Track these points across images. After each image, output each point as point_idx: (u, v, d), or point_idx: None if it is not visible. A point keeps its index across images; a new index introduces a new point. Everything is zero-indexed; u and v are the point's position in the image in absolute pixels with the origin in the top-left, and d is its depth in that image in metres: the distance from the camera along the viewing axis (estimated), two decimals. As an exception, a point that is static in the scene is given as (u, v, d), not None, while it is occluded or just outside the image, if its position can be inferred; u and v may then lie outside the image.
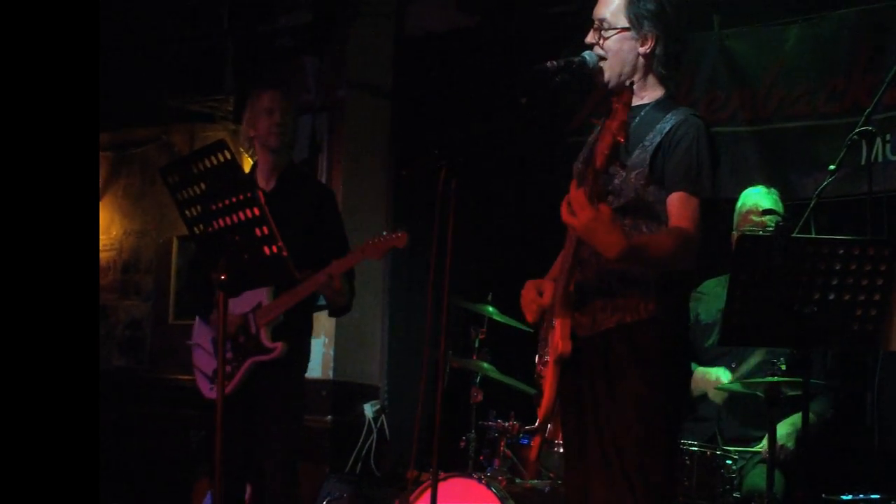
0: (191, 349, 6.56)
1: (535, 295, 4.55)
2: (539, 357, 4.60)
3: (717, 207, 4.52)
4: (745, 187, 6.80)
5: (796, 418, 6.24)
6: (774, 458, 5.84)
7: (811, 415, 6.25)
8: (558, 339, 4.32)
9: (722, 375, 6.49)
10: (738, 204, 6.68)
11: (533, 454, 6.20)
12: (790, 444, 6.31)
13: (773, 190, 6.71)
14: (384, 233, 6.29)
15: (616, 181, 4.36)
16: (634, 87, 4.50)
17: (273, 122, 6.42)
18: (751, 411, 6.44)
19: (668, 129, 4.36)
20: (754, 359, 6.50)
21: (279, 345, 6.21)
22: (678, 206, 4.28)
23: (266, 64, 9.57)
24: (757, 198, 6.63)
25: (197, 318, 6.57)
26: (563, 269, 4.42)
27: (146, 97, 10.04)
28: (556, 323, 4.37)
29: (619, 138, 3.95)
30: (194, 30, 9.57)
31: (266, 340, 6.22)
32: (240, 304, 6.22)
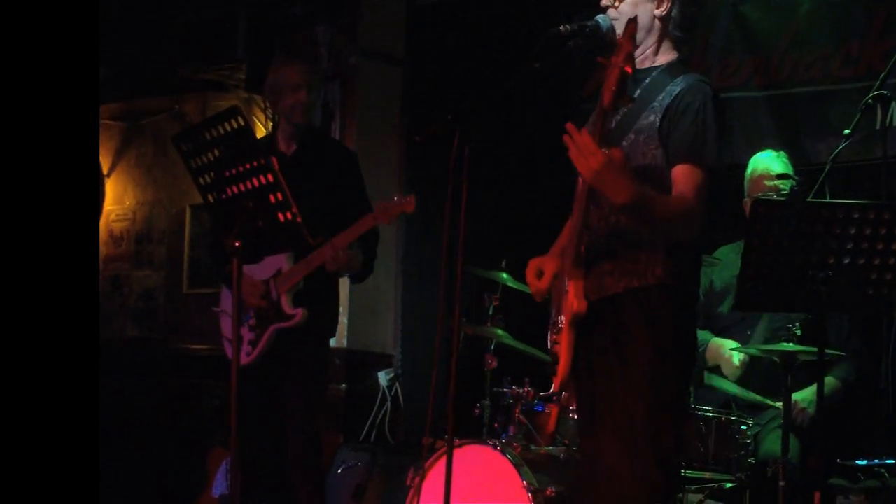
0: (218, 316, 6.56)
1: (535, 278, 4.56)
2: (551, 326, 4.60)
3: (732, 173, 4.50)
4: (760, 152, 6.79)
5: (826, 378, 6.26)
6: (791, 422, 5.84)
7: (835, 380, 6.29)
8: (573, 299, 4.32)
9: (734, 357, 6.48)
10: (749, 170, 6.66)
11: (551, 425, 6.22)
12: (811, 410, 6.30)
13: (781, 153, 6.70)
14: (394, 198, 6.27)
15: (624, 144, 4.35)
16: (648, 51, 4.50)
17: (297, 99, 6.39)
18: (766, 377, 6.43)
19: (676, 92, 4.36)
20: (770, 325, 6.48)
21: (300, 311, 6.22)
22: (683, 178, 4.27)
23: (278, 32, 9.54)
24: (768, 162, 6.62)
25: (223, 285, 6.56)
26: (573, 231, 4.41)
27: (157, 66, 10.02)
28: (569, 284, 4.37)
29: (626, 68, 3.97)
30: (205, -2, 9.56)
31: (287, 307, 6.23)
32: (260, 270, 6.23)
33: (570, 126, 4.12)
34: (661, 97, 4.37)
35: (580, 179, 4.39)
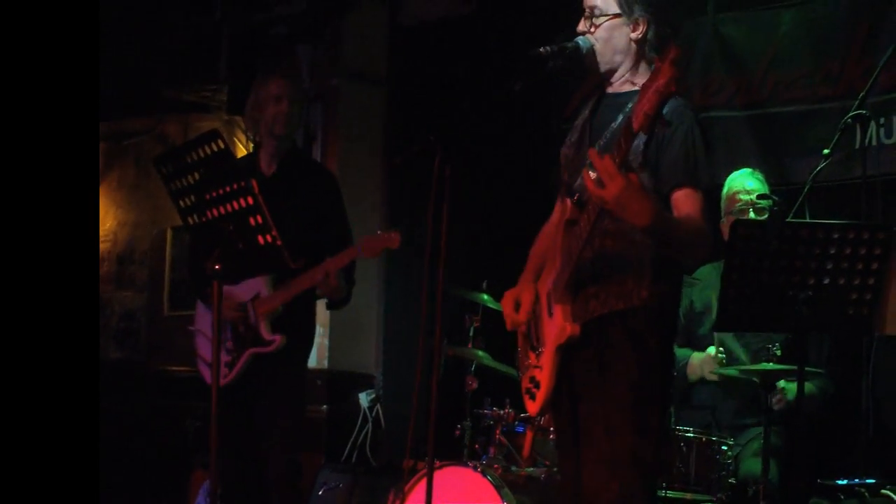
0: (193, 336, 6.54)
1: (512, 310, 4.57)
2: (524, 349, 4.61)
3: (712, 193, 4.52)
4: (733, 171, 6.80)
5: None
6: (769, 446, 5.84)
7: (812, 386, 6.29)
8: (563, 323, 4.33)
9: (710, 350, 6.49)
10: (725, 189, 6.67)
11: (526, 449, 6.23)
12: (790, 397, 6.25)
13: (757, 171, 6.72)
14: (379, 232, 6.28)
15: None
16: (626, 73, 4.52)
17: (280, 110, 6.39)
18: (746, 398, 6.44)
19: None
20: (750, 346, 6.49)
21: (278, 338, 6.19)
22: (686, 201, 4.28)
23: (260, 54, 9.55)
24: (742, 179, 6.64)
25: (199, 304, 6.54)
26: (563, 255, 4.40)
27: (140, 87, 10.02)
28: (557, 309, 4.37)
29: (671, 89, 3.80)
30: (188, 19, 9.56)
31: (265, 332, 6.21)
32: (239, 292, 6.21)
33: (592, 152, 4.11)
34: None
35: (567, 201, 4.40)
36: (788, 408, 6.24)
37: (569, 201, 4.42)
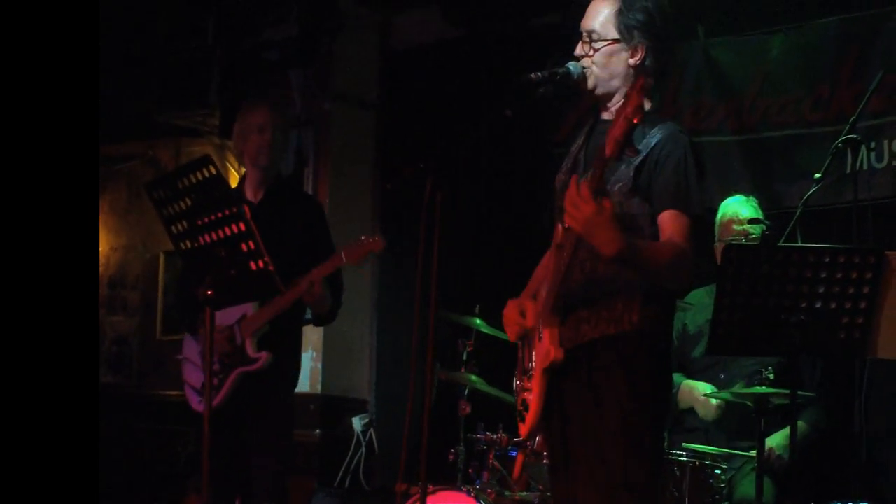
0: (180, 364, 6.54)
1: (518, 316, 4.55)
2: (519, 371, 4.60)
3: (703, 217, 4.52)
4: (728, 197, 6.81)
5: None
6: (764, 466, 5.84)
7: (806, 424, 6.31)
8: (548, 346, 4.32)
9: (706, 388, 6.49)
10: (719, 215, 6.68)
11: (516, 472, 6.22)
12: (785, 455, 6.30)
13: (751, 198, 6.73)
14: (361, 238, 6.26)
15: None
16: (622, 98, 4.51)
17: (263, 140, 6.40)
18: (739, 422, 6.43)
19: (653, 143, 4.34)
20: (743, 370, 6.49)
21: (264, 355, 6.18)
22: (670, 224, 4.26)
23: (252, 78, 9.57)
24: (737, 206, 6.64)
25: (187, 333, 6.55)
26: (551, 279, 4.41)
27: (131, 112, 10.03)
28: (545, 332, 4.36)
29: (634, 120, 3.89)
30: (179, 44, 9.57)
31: (251, 351, 6.20)
32: (225, 317, 6.20)
33: (573, 179, 4.13)
34: (638, 148, 4.37)
35: (559, 226, 4.41)
36: (787, 467, 6.25)
37: (559, 226, 4.42)
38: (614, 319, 4.33)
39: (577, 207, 4.03)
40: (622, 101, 3.93)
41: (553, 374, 4.34)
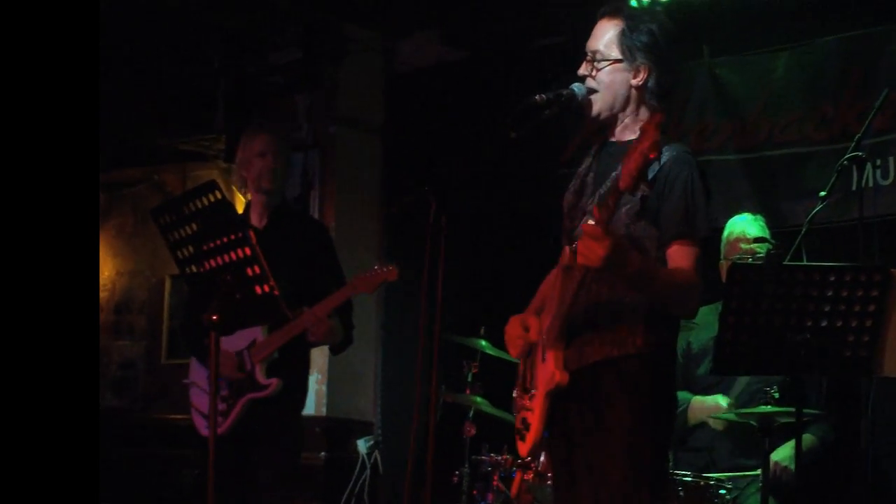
0: (187, 388, 6.53)
1: (521, 331, 4.55)
2: (519, 391, 4.60)
3: (709, 236, 4.52)
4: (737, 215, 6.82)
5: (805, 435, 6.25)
6: (770, 481, 5.83)
7: (813, 437, 6.31)
8: (553, 370, 4.32)
9: (721, 401, 6.48)
10: (726, 233, 6.68)
11: (514, 490, 6.21)
12: (792, 466, 6.27)
13: (759, 216, 6.73)
14: (375, 267, 6.27)
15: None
16: (627, 120, 4.52)
17: (266, 165, 6.41)
18: (744, 440, 6.42)
19: (659, 167, 4.35)
20: (747, 387, 6.49)
21: (274, 381, 6.18)
22: (680, 255, 4.28)
23: (257, 102, 9.59)
24: (744, 225, 6.64)
25: (193, 357, 6.54)
26: (557, 302, 4.41)
27: (137, 137, 10.06)
28: (549, 355, 4.36)
29: (650, 155, 3.85)
30: (185, 69, 9.60)
31: (261, 377, 6.20)
32: (234, 342, 6.20)
33: (584, 224, 4.12)
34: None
35: (566, 248, 4.40)
36: (795, 479, 6.23)
37: (567, 248, 4.42)
38: (618, 342, 4.33)
39: (592, 249, 4.02)
40: (638, 135, 3.88)
41: (556, 396, 4.35)
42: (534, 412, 4.41)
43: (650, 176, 4.30)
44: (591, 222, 4.06)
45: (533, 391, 4.45)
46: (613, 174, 4.39)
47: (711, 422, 6.52)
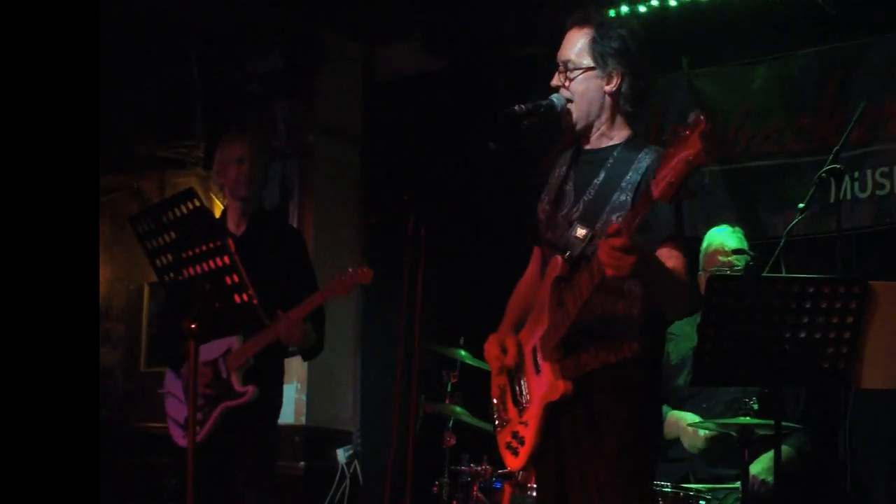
0: (163, 397, 6.51)
1: (499, 353, 4.56)
2: (504, 403, 4.60)
3: (689, 245, 4.53)
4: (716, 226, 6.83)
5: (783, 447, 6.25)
6: (749, 496, 5.83)
7: (790, 448, 6.31)
8: (553, 381, 4.31)
9: (699, 428, 6.47)
10: (704, 244, 6.69)
11: (505, 502, 6.20)
12: (770, 479, 6.28)
13: (737, 228, 6.74)
14: (349, 269, 6.27)
15: (598, 225, 4.36)
16: (603, 127, 4.52)
17: (242, 171, 6.41)
18: (723, 451, 6.42)
19: (644, 168, 4.36)
20: (725, 397, 6.49)
21: (250, 388, 6.18)
22: (672, 258, 4.30)
23: (236, 110, 9.58)
24: (723, 237, 6.65)
25: (168, 368, 6.53)
26: (551, 314, 4.39)
27: (116, 144, 10.02)
28: (546, 367, 4.36)
29: (700, 160, 3.66)
30: (164, 76, 9.58)
31: (237, 385, 6.19)
32: (210, 350, 6.19)
33: (610, 230, 4.06)
34: (629, 175, 4.38)
35: (559, 258, 4.39)
36: (773, 492, 6.24)
37: (560, 259, 4.40)
38: (614, 348, 4.33)
39: (622, 260, 3.94)
40: (677, 142, 3.72)
41: (554, 406, 4.34)
42: (528, 425, 4.41)
43: (636, 178, 4.32)
44: (614, 234, 3.97)
45: (525, 404, 4.45)
46: (603, 173, 4.41)
47: (686, 442, 6.51)
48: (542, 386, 4.37)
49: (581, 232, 4.27)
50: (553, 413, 4.37)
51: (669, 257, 4.30)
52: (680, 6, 7.92)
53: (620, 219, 4.26)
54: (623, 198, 4.36)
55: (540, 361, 4.41)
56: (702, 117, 3.70)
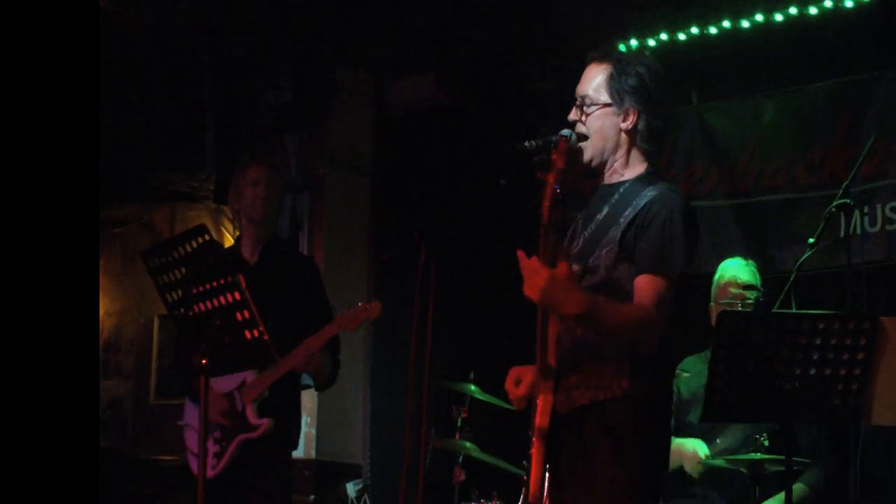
0: (182, 430, 6.51)
1: (513, 385, 4.56)
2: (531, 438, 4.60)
3: (697, 282, 4.52)
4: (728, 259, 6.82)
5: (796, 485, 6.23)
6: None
7: (804, 486, 6.28)
8: (538, 414, 4.31)
9: (698, 448, 6.45)
10: (717, 276, 6.68)
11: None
12: None
13: (751, 262, 6.73)
14: (358, 304, 6.27)
15: (590, 261, 4.37)
16: (616, 164, 4.52)
17: (257, 193, 6.42)
18: (735, 487, 6.40)
19: (642, 204, 4.35)
20: (737, 434, 6.47)
21: (265, 421, 6.17)
22: (644, 287, 4.26)
23: (247, 143, 9.60)
24: (736, 270, 6.64)
25: (187, 398, 6.53)
26: (538, 344, 4.40)
27: (127, 176, 10.06)
28: (539, 399, 4.35)
29: (556, 189, 3.98)
30: (175, 109, 9.61)
31: (252, 417, 6.19)
32: (225, 382, 6.19)
33: (519, 253, 4.14)
34: (627, 211, 4.38)
35: None
36: None
37: None
38: (603, 385, 4.32)
39: (531, 278, 4.07)
40: (546, 169, 4.02)
41: (548, 440, 4.33)
42: (532, 458, 4.41)
43: (633, 214, 4.33)
44: (531, 258, 4.10)
45: (532, 437, 4.46)
46: (606, 209, 4.42)
47: (688, 467, 6.49)
48: (535, 419, 4.38)
49: (575, 267, 4.27)
50: (551, 447, 4.36)
51: (640, 289, 4.27)
52: (689, 40, 7.93)
53: (609, 252, 4.29)
54: (615, 233, 4.36)
55: (536, 394, 4.41)
56: (561, 139, 4.20)
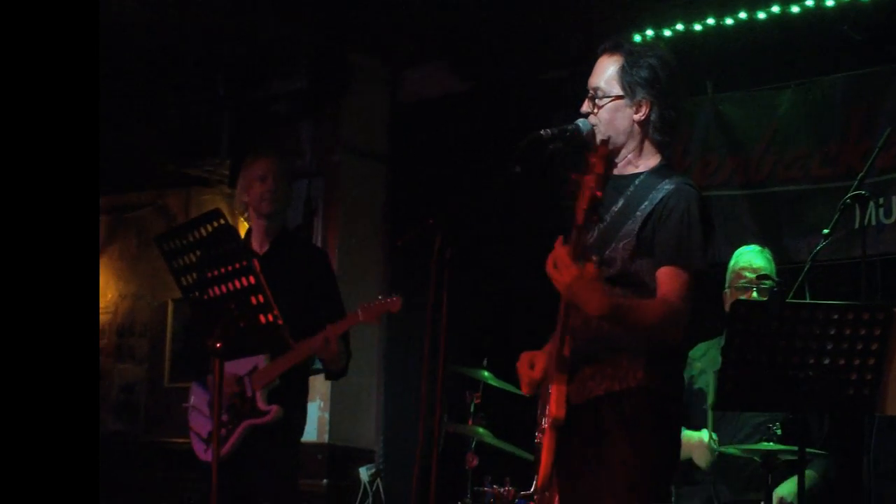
0: (187, 412, 6.53)
1: (527, 368, 4.56)
2: (538, 425, 4.60)
3: (711, 272, 4.52)
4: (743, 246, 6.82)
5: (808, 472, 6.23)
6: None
7: (815, 474, 6.28)
8: (553, 404, 4.32)
9: (704, 437, 6.45)
10: (732, 262, 6.68)
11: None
12: (796, 503, 6.26)
13: (766, 249, 6.72)
14: (379, 297, 6.30)
15: (607, 252, 4.37)
16: (630, 155, 4.52)
17: (265, 188, 6.43)
18: (746, 475, 6.41)
19: (659, 198, 4.36)
20: (751, 422, 6.47)
21: (274, 408, 6.19)
22: (667, 280, 4.27)
23: (261, 129, 9.61)
24: (751, 256, 6.63)
25: (193, 381, 6.54)
26: (556, 335, 4.41)
27: (142, 161, 10.08)
28: (552, 389, 4.36)
29: (596, 192, 3.96)
30: (190, 95, 9.63)
31: (261, 404, 6.20)
32: (236, 367, 6.20)
33: (559, 239, 4.16)
34: (644, 205, 4.38)
35: None
36: None
37: None
38: (619, 376, 4.33)
39: (560, 272, 4.10)
40: (587, 171, 3.98)
41: (560, 430, 4.34)
42: (543, 445, 4.42)
43: (650, 207, 4.34)
44: (562, 248, 4.13)
45: (543, 426, 4.46)
46: (622, 201, 4.42)
47: (695, 457, 6.48)
48: (549, 408, 4.38)
49: (578, 265, 4.29)
50: (563, 436, 4.37)
51: (662, 281, 4.29)
52: (705, 30, 7.93)
53: (626, 245, 4.30)
54: (632, 227, 4.36)
55: (549, 384, 4.42)
56: (602, 143, 4.16)
